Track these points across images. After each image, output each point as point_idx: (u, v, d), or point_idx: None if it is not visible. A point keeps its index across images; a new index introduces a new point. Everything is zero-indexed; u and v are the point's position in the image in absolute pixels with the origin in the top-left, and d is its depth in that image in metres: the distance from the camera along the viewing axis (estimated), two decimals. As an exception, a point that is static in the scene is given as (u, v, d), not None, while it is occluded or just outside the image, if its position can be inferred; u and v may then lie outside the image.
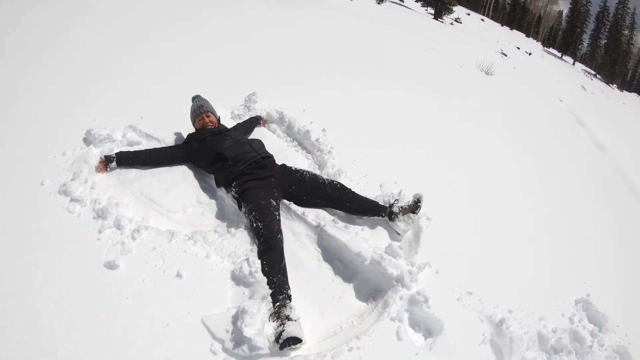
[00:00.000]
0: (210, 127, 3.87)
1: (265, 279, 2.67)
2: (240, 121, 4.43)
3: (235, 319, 2.34)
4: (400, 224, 3.36)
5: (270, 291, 2.64)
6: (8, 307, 2.17)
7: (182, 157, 3.62)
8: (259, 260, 2.80)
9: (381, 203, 3.54)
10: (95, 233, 2.72)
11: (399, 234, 3.39)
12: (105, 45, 5.47)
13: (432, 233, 3.43)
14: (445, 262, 3.23)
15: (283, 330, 2.38)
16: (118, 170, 3.32)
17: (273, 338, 2.41)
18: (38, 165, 3.15)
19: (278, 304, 2.59)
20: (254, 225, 2.97)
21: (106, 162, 3.28)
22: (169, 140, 3.87)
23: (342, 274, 3.00)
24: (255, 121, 4.45)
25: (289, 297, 2.66)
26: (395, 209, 3.40)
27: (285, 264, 2.84)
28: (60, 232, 2.68)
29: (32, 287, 2.29)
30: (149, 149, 3.52)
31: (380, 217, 3.45)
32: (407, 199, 3.53)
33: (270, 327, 2.49)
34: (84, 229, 2.74)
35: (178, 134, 4.02)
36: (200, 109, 3.92)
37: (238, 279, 2.63)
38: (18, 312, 2.16)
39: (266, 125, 4.57)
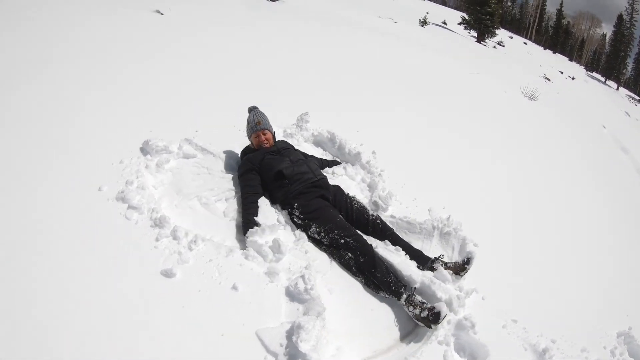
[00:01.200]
0: (265, 145, 3.85)
1: (379, 286, 2.94)
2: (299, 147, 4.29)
3: (290, 333, 2.35)
4: (444, 272, 3.11)
5: (392, 289, 2.90)
6: (62, 308, 2.19)
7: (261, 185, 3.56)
8: (367, 272, 2.97)
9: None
10: (152, 241, 2.75)
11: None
12: (163, 60, 5.68)
13: (479, 258, 3.39)
14: (492, 289, 3.23)
15: (437, 311, 2.71)
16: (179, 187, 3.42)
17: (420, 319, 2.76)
18: (96, 171, 3.21)
19: (405, 296, 2.85)
20: (342, 241, 3.06)
21: None
22: (224, 156, 3.93)
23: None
24: (332, 163, 4.28)
25: (407, 288, 2.92)
26: (437, 265, 3.20)
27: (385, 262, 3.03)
28: (116, 238, 2.71)
29: (87, 291, 2.32)
30: (249, 205, 3.30)
31: (420, 269, 3.16)
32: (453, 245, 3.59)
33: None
34: (141, 237, 2.77)
35: (232, 149, 4.07)
36: (257, 126, 3.88)
37: (293, 295, 2.65)
38: (73, 314, 2.18)
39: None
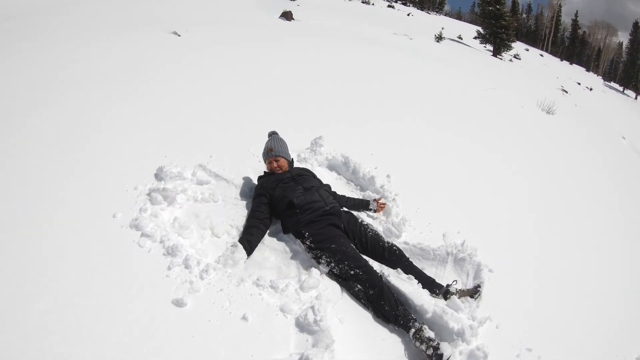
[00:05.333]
0: (278, 172, 3.86)
1: (388, 318, 2.92)
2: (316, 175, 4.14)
3: (298, 366, 2.35)
4: (457, 302, 3.13)
5: (400, 323, 2.87)
6: (73, 336, 2.21)
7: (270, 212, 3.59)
8: (375, 304, 2.96)
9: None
10: (165, 270, 2.77)
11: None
12: (177, 85, 5.78)
13: (494, 286, 3.36)
14: (506, 317, 3.16)
15: (440, 352, 2.63)
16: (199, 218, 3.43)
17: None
18: (110, 198, 3.25)
19: (413, 330, 2.79)
20: (352, 272, 3.05)
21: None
22: (238, 182, 3.94)
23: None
24: (362, 205, 4.04)
25: (417, 320, 2.86)
26: (452, 289, 3.23)
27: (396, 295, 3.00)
28: (129, 266, 2.74)
29: (100, 319, 2.34)
30: (252, 230, 3.35)
31: (434, 295, 3.22)
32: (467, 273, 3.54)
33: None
34: (153, 265, 2.79)
35: (246, 175, 4.08)
36: (269, 153, 3.92)
37: (302, 326, 2.63)
38: (84, 341, 2.20)
39: (382, 211, 4.07)
